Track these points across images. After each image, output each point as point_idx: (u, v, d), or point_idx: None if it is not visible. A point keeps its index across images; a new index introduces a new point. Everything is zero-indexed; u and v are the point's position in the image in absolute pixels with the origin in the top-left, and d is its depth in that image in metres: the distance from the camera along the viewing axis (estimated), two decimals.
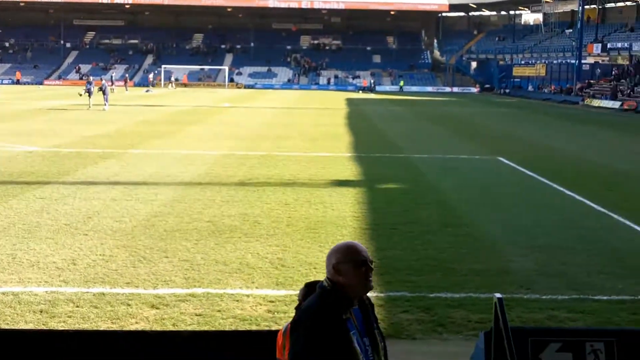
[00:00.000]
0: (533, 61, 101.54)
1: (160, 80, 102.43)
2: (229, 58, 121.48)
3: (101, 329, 8.71)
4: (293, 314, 4.93)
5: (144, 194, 17.99)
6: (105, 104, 50.12)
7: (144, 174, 21.43)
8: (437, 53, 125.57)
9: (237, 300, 10.09)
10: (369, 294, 4.55)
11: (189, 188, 19.17)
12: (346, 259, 4.30)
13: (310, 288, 5.08)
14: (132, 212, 15.73)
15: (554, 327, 8.89)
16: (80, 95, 52.68)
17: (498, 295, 5.90)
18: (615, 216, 16.64)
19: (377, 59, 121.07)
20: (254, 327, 8.89)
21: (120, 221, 14.84)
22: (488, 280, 11.28)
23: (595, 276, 11.71)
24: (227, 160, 25.01)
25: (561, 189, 20.47)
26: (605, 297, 10.63)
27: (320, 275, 11.00)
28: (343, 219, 15.59)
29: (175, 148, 28.53)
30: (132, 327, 8.93)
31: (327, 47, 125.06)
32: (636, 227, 15.53)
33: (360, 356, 4.16)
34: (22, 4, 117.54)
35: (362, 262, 4.29)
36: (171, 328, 8.87)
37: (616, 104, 69.21)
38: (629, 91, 73.37)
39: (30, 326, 8.93)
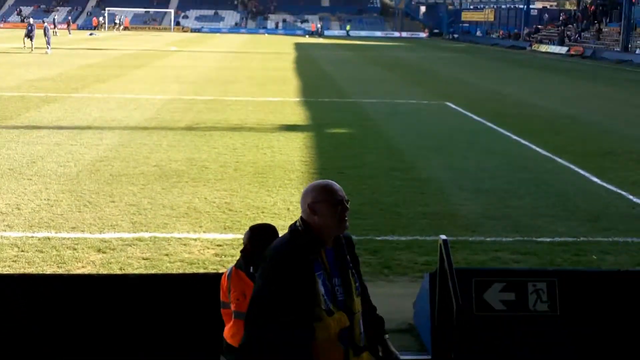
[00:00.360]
0: (482, 6, 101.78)
1: (104, 23, 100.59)
2: (174, 1, 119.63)
3: (47, 273, 8.64)
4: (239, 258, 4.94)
5: (89, 139, 17.77)
6: (48, 47, 49.16)
7: (89, 118, 21.15)
8: None
9: (185, 244, 10.07)
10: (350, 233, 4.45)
11: (134, 132, 18.97)
12: (322, 198, 4.21)
13: (254, 231, 5.06)
14: (77, 157, 15.54)
15: (497, 267, 9.03)
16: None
17: (443, 237, 5.97)
18: (560, 160, 16.87)
19: (325, 2, 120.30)
20: (201, 271, 8.90)
21: (64, 166, 14.66)
22: (434, 223, 11.40)
23: (539, 219, 11.89)
24: (174, 105, 24.76)
25: (507, 133, 20.67)
26: (548, 239, 10.81)
27: (267, 219, 11.07)
28: (291, 163, 15.58)
29: (120, 92, 28.15)
30: (79, 271, 8.88)
31: None
32: (580, 170, 15.77)
33: (322, 298, 4.09)
34: None
35: (338, 201, 4.20)
36: (118, 272, 8.83)
37: (563, 50, 69.77)
38: (576, 36, 73.94)
39: None
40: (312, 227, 4.20)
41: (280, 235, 5.12)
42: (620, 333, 5.73)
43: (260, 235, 4.95)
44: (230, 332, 4.96)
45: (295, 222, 4.27)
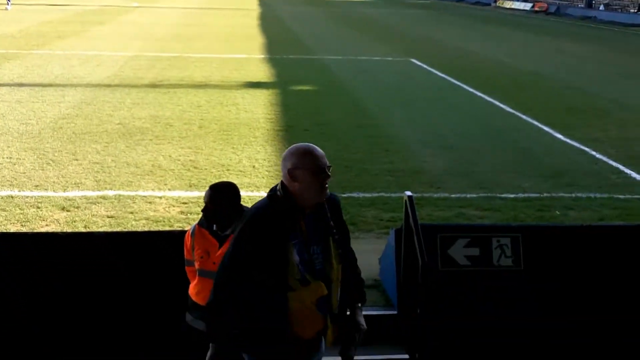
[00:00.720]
0: None
1: None
2: None
3: (10, 231, 8.56)
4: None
5: (51, 96, 17.55)
6: (7, 3, 48.29)
7: (50, 76, 20.87)
8: None
9: (150, 202, 10.02)
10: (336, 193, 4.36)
11: (97, 90, 18.76)
12: (302, 165, 4.04)
13: (215, 189, 4.99)
14: (39, 115, 15.35)
15: (462, 223, 9.10)
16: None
17: (408, 193, 5.99)
18: (524, 117, 16.97)
19: None
20: (166, 228, 8.87)
21: (27, 124, 14.48)
22: (399, 180, 11.44)
23: (503, 175, 11.98)
24: (137, 62, 24.50)
25: (472, 90, 20.74)
26: (512, 195, 10.90)
27: (232, 177, 11.04)
28: (256, 120, 15.52)
29: (82, 49, 27.76)
30: (43, 230, 8.80)
31: None
32: (543, 127, 15.88)
33: (296, 268, 3.99)
34: None
35: (320, 169, 4.05)
36: (83, 230, 8.77)
37: (527, 6, 69.86)
38: None
39: None
40: (292, 193, 4.07)
41: (240, 195, 5.09)
42: (582, 287, 5.82)
43: (220, 193, 4.88)
44: (194, 290, 4.95)
45: (275, 186, 4.13)
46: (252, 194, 10.00)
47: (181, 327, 5.05)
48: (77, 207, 9.71)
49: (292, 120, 15.79)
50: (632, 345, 5.73)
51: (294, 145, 4.14)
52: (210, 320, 4.27)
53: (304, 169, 4.04)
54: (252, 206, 4.24)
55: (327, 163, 4.11)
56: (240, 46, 30.47)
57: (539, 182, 11.67)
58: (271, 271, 4.00)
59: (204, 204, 4.93)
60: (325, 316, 4.12)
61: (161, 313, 5.79)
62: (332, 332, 4.16)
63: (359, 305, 4.37)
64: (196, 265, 4.91)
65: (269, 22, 45.33)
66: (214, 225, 4.88)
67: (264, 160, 12.28)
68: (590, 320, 5.79)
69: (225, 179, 10.06)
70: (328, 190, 4.17)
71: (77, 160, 11.98)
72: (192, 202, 10.05)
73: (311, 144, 4.16)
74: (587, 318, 5.78)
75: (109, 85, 19.50)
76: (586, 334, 5.74)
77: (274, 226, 4.01)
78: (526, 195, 10.95)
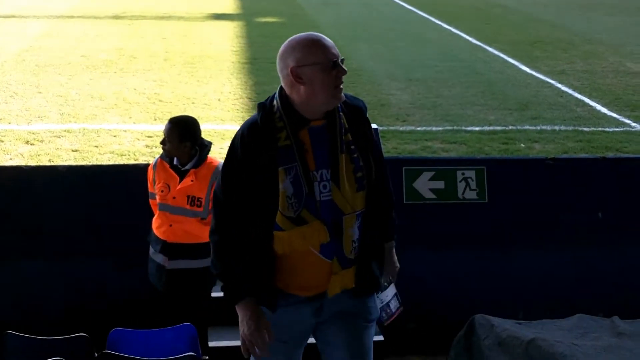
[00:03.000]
0: None
1: None
2: None
3: None
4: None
5: (13, 28, 17.26)
6: None
7: (12, 7, 20.49)
8: None
9: (115, 136, 9.95)
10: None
11: (60, 22, 18.46)
12: (310, 59, 3.19)
13: (173, 123, 4.84)
14: (1, 47, 15.11)
15: (427, 157, 9.14)
16: None
17: (374, 126, 5.99)
18: (490, 49, 16.97)
19: None
20: (132, 162, 8.84)
21: None
22: None
23: (468, 108, 12.01)
24: None
25: (439, 22, 20.67)
26: (477, 128, 10.95)
27: (198, 110, 10.98)
28: (222, 52, 15.38)
29: None
30: (7, 164, 8.73)
31: None
32: (509, 59, 15.89)
33: (287, 201, 3.20)
34: None
35: (333, 62, 3.19)
36: (47, 164, 8.71)
37: None
38: None
39: None
40: (295, 101, 3.24)
41: (200, 129, 4.83)
42: (546, 219, 5.88)
43: (178, 127, 4.75)
44: (156, 223, 4.90)
45: (270, 96, 3.37)
46: (217, 127, 9.97)
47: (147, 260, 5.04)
48: (42, 141, 9.63)
49: (257, 52, 15.66)
50: (594, 276, 5.84)
51: (295, 36, 3.30)
52: (219, 272, 3.41)
53: (312, 64, 3.18)
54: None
55: (340, 55, 3.25)
56: None
57: (504, 114, 11.72)
58: (257, 205, 3.27)
59: (162, 137, 4.84)
60: (333, 261, 3.31)
61: (127, 246, 5.79)
62: (341, 281, 3.33)
63: (392, 243, 3.65)
64: (157, 198, 4.86)
65: None
66: (175, 159, 4.82)
67: (230, 93, 12.21)
68: (554, 253, 5.87)
69: (190, 113, 10.02)
70: (344, 93, 3.29)
71: (40, 93, 11.84)
72: (157, 136, 9.98)
73: (317, 33, 3.31)
74: (549, 250, 5.87)
75: (71, 17, 19.20)
76: (548, 266, 5.83)
77: (260, 145, 3.24)
78: (492, 127, 11.00)
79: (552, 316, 4.91)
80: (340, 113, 3.30)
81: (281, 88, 3.30)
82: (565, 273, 5.85)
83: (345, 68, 3.21)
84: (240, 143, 3.28)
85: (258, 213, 3.28)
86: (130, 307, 5.33)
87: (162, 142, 4.82)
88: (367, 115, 3.44)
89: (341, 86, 3.21)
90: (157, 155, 5.00)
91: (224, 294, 3.42)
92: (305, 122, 3.24)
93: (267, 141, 3.22)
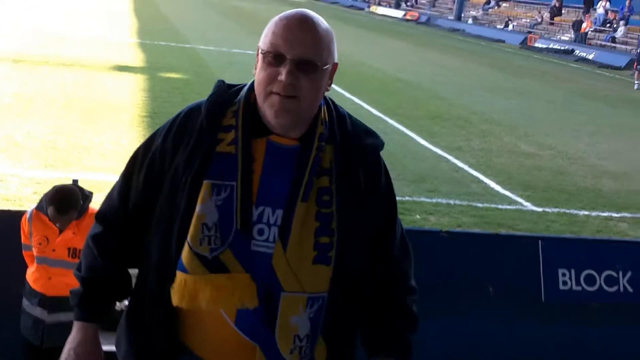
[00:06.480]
0: None
1: None
2: None
3: None
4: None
5: None
6: None
7: None
8: None
9: (2, 180, 9.61)
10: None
11: None
12: (263, 40, 2.39)
13: (57, 194, 4.45)
14: None
15: None
16: None
17: None
18: (391, 121, 17.21)
19: None
20: (17, 208, 8.52)
21: None
22: None
23: None
24: None
25: (342, 91, 20.87)
26: None
27: (93, 159, 10.74)
28: (122, 104, 15.16)
29: None
30: None
31: None
32: (409, 132, 16.14)
33: (200, 231, 2.19)
34: None
35: (277, 55, 2.33)
36: None
37: (399, 13, 71.05)
38: (413, 2, 75.53)
39: None
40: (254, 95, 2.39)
41: (87, 200, 4.53)
42: (440, 291, 5.89)
43: (59, 199, 4.44)
44: (33, 277, 4.65)
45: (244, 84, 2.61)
46: (110, 178, 9.73)
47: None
48: None
49: (159, 107, 15.47)
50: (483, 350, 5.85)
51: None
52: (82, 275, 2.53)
53: (260, 48, 2.39)
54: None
55: (303, 54, 2.35)
56: (108, 28, 29.75)
57: (401, 185, 11.81)
58: (159, 224, 2.29)
59: (47, 192, 4.56)
60: (256, 352, 2.26)
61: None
62: None
63: None
64: (35, 252, 4.59)
65: (141, 6, 44.36)
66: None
67: (128, 144, 11.98)
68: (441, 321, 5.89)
69: (84, 161, 9.79)
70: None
71: None
72: (47, 183, 9.65)
73: (307, 11, 2.48)
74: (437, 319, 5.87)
75: None
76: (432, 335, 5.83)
77: (190, 138, 2.33)
78: None
79: None
80: (322, 143, 2.39)
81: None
82: (445, 344, 5.85)
83: (293, 70, 2.29)
84: (167, 129, 2.42)
85: (158, 237, 2.32)
86: None
87: (44, 198, 4.55)
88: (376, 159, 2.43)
89: (281, 95, 2.30)
90: (33, 207, 4.72)
91: (71, 302, 2.52)
92: (265, 132, 2.33)
93: (203, 136, 2.31)
